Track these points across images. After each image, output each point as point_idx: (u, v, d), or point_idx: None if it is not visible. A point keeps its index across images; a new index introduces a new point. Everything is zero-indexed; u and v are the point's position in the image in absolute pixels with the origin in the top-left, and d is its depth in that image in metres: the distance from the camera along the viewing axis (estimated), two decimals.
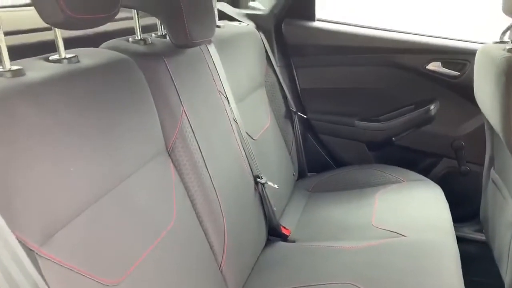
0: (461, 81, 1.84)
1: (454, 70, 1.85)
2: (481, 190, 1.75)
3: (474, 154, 1.88)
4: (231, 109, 1.42)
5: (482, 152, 1.69)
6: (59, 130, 0.78)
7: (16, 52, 0.87)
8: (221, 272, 1.17)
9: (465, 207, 1.88)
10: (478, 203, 1.78)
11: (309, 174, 2.08)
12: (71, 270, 0.74)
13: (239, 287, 1.24)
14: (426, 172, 1.93)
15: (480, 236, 1.84)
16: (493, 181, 1.60)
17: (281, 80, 1.96)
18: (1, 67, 0.78)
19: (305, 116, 2.05)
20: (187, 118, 1.16)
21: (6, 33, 0.79)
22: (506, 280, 1.39)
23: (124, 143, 0.94)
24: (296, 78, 2.08)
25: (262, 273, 1.34)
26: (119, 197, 0.89)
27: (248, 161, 1.46)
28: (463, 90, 1.83)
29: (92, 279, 0.77)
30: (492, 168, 1.61)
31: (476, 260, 1.64)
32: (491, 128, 1.56)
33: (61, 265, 0.72)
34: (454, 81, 1.85)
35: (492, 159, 1.62)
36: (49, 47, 0.93)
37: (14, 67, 0.79)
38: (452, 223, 1.50)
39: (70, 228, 0.76)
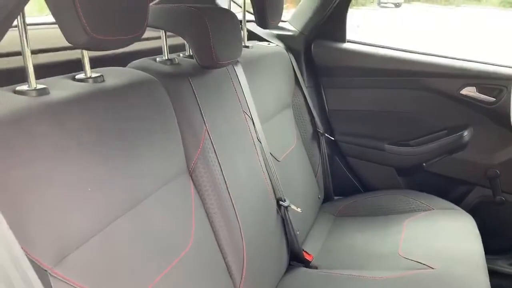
0: (496, 108, 1.77)
1: (490, 96, 1.78)
2: None
3: (510, 183, 1.79)
4: (255, 129, 1.40)
5: None
6: (79, 150, 0.78)
7: (44, 70, 0.89)
8: None
9: (500, 239, 1.79)
10: None
11: (335, 197, 2.03)
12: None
13: None
14: (457, 200, 1.85)
15: None
16: None
17: (309, 101, 1.94)
18: (27, 86, 0.79)
19: (333, 138, 2.01)
20: (210, 138, 1.15)
21: (34, 51, 0.81)
22: None
23: (144, 164, 0.93)
24: (324, 99, 2.05)
25: None
26: (136, 218, 0.89)
27: (271, 183, 1.43)
28: (498, 117, 1.76)
29: None
30: None
31: None
32: None
33: (74, 286, 0.72)
34: (489, 107, 1.78)
35: None
36: (77, 65, 0.94)
37: (40, 86, 0.80)
38: (484, 256, 1.42)
39: (85, 249, 0.75)
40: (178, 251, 0.97)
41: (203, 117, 1.14)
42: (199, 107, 1.14)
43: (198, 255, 1.03)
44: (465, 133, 1.82)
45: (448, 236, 1.52)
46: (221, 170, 1.16)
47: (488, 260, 1.42)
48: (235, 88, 1.37)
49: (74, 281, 0.72)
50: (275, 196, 1.44)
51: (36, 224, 0.68)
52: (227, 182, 1.17)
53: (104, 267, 0.78)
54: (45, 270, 0.68)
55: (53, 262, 0.70)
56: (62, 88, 0.84)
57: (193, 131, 1.12)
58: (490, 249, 1.53)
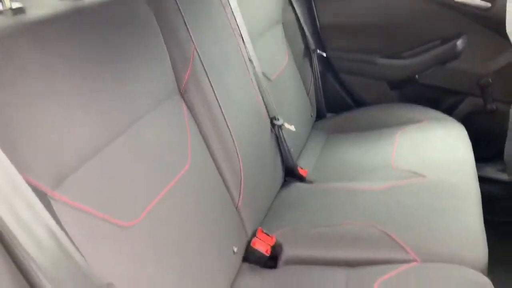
0: (492, 14, 1.71)
1: (486, 0, 1.72)
2: (506, 129, 1.68)
3: (502, 92, 1.79)
4: (245, 47, 1.36)
5: (510, 89, 1.60)
6: (64, 69, 0.75)
7: None
8: (238, 211, 1.18)
9: (489, 147, 1.83)
10: (502, 142, 1.73)
11: (328, 114, 2.04)
12: (86, 213, 0.74)
13: (256, 226, 1.24)
14: (449, 111, 1.86)
15: (503, 176, 1.79)
16: None
17: (300, 16, 1.87)
18: (1, 5, 0.75)
19: (324, 54, 1.97)
20: (199, 57, 1.12)
21: None
22: None
23: (134, 84, 0.91)
24: (315, 13, 1.98)
25: (279, 213, 1.35)
26: (132, 139, 0.88)
27: (264, 102, 1.42)
28: (494, 23, 1.71)
29: (108, 221, 0.77)
30: None
31: (499, 200, 1.62)
32: None
33: (76, 208, 0.72)
34: (485, 13, 1.73)
35: None
36: None
37: (15, 5, 0.75)
38: (474, 163, 1.46)
39: (83, 171, 0.75)
40: (176, 171, 0.97)
41: (190, 35, 1.10)
42: (185, 24, 1.09)
43: (196, 174, 1.04)
44: (459, 42, 1.79)
45: (440, 146, 1.55)
46: (213, 90, 1.14)
47: (478, 167, 1.45)
48: (222, 3, 1.31)
49: (75, 202, 0.72)
50: (269, 115, 1.43)
51: (31, 147, 0.67)
52: (220, 102, 1.16)
53: (105, 188, 0.79)
54: (45, 193, 0.69)
55: (52, 185, 0.70)
56: (40, 6, 0.79)
57: (181, 50, 1.08)
58: (481, 156, 1.56)
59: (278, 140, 1.46)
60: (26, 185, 0.61)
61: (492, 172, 1.86)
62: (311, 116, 1.90)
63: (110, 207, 0.78)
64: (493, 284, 0.98)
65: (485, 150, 1.73)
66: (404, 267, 1.05)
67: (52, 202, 0.69)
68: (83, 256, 0.66)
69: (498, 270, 1.10)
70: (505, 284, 1.02)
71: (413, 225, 1.17)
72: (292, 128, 1.46)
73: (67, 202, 0.71)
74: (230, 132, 1.18)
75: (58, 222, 0.67)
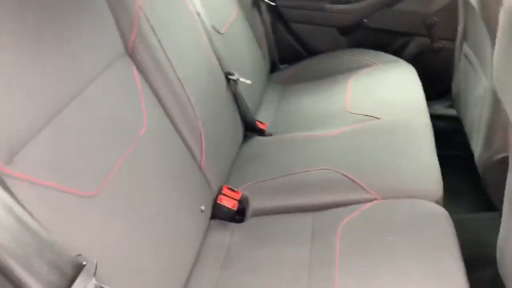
0: None
1: None
2: (453, 66, 1.74)
3: (447, 30, 1.84)
4: (191, 1, 1.31)
5: (455, 28, 1.65)
6: (5, 35, 0.70)
7: None
8: (201, 170, 1.17)
9: (438, 85, 1.89)
10: (450, 79, 1.79)
11: (281, 66, 2.03)
12: (45, 187, 0.71)
13: (220, 183, 1.25)
14: (399, 52, 1.90)
15: (452, 112, 1.87)
16: (465, 55, 1.59)
17: None
18: None
19: (274, 4, 1.93)
20: (144, 13, 1.07)
21: None
22: (476, 151, 1.44)
23: (79, 47, 0.87)
24: None
25: (242, 168, 1.36)
26: (83, 106, 0.85)
27: (217, 57, 1.39)
28: None
29: (69, 193, 0.75)
30: (465, 42, 1.59)
31: (449, 135, 1.69)
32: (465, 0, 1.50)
33: (33, 183, 0.70)
34: None
35: (464, 33, 1.59)
36: None
37: None
38: (425, 101, 1.51)
39: (36, 143, 0.72)
40: (133, 135, 0.95)
41: None
42: None
43: (154, 137, 1.02)
44: None
45: (392, 87, 1.59)
46: (162, 48, 1.11)
47: (428, 105, 1.50)
48: None
49: (31, 177, 0.69)
50: (223, 71, 1.41)
51: None
52: (171, 61, 1.12)
53: (61, 159, 0.76)
54: None
55: (3, 161, 0.66)
56: None
57: (124, 8, 1.03)
58: (430, 94, 1.61)
59: (235, 96, 1.44)
60: None
61: (442, 108, 1.94)
62: (265, 69, 1.89)
63: (70, 178, 0.76)
64: (449, 213, 1.05)
65: (434, 88, 1.79)
66: (366, 206, 1.10)
67: (6, 179, 0.66)
68: (48, 231, 0.65)
69: (452, 201, 1.16)
70: (459, 213, 1.09)
71: (371, 166, 1.22)
72: (248, 82, 1.45)
73: (22, 177, 0.68)
74: (185, 90, 1.15)
75: (15, 199, 0.64)
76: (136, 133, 0.96)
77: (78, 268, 0.66)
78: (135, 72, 1.04)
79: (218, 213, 1.20)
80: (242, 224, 1.19)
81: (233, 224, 1.19)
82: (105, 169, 0.85)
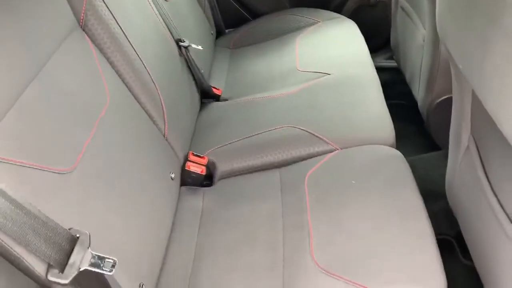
0: None
1: None
2: (390, 19, 1.83)
3: None
4: None
5: None
6: None
7: None
8: (166, 140, 1.19)
9: (377, 38, 1.98)
10: (388, 32, 1.88)
11: (226, 30, 2.03)
12: (21, 166, 0.71)
13: (185, 150, 1.28)
14: (339, 9, 1.96)
15: (392, 63, 1.98)
16: (402, 8, 1.67)
17: None
18: None
19: None
20: None
21: None
22: (419, 97, 1.55)
23: (30, 25, 0.84)
24: None
25: (204, 134, 1.39)
26: (44, 84, 0.84)
27: (166, 25, 1.38)
28: None
29: (46, 170, 0.75)
30: None
31: (391, 85, 1.79)
32: None
33: (8, 163, 0.69)
34: None
35: None
36: None
37: None
38: (369, 55, 1.59)
39: (5, 123, 0.71)
40: (98, 111, 0.95)
41: None
42: None
43: (118, 110, 1.02)
44: None
45: (337, 44, 1.66)
46: (114, 18, 1.09)
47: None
48: None
49: (6, 157, 0.69)
50: (174, 38, 1.40)
51: None
52: (124, 31, 1.11)
53: (33, 138, 0.76)
54: None
55: None
56: None
57: None
58: (370, 48, 1.69)
59: (188, 63, 1.44)
60: None
61: (382, 61, 2.05)
62: (212, 34, 1.89)
63: (45, 156, 0.76)
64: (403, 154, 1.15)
65: (374, 41, 1.87)
66: (327, 157, 1.17)
67: None
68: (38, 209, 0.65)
69: (400, 145, 1.25)
70: (407, 155, 1.18)
71: (328, 120, 1.29)
72: (199, 47, 1.45)
73: (1, 159, 0.67)
74: (142, 61, 1.15)
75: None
76: (101, 107, 0.96)
77: (73, 241, 0.67)
78: (91, 46, 1.02)
79: (187, 180, 1.22)
80: (212, 187, 1.23)
81: (203, 189, 1.22)
82: (76, 145, 0.84)
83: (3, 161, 0.68)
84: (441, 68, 1.37)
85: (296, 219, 1.02)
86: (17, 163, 0.70)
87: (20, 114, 0.75)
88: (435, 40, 1.33)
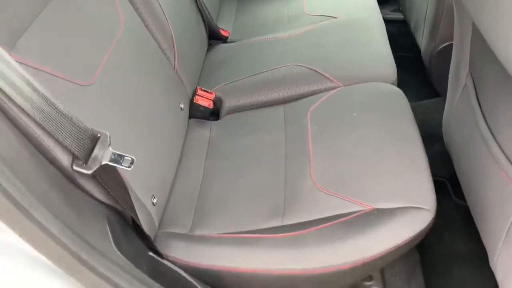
0: None
1: None
2: None
3: None
4: None
5: None
6: None
7: None
8: (176, 73, 1.23)
9: None
10: None
11: None
12: (47, 73, 0.76)
13: (194, 85, 1.32)
14: None
15: (398, 15, 2.00)
16: None
17: None
18: None
19: None
20: None
21: None
22: (422, 44, 1.58)
23: None
24: None
25: (212, 72, 1.43)
26: (64, 3, 0.88)
27: None
28: None
29: (70, 81, 0.80)
30: None
31: (396, 37, 1.81)
32: None
33: (36, 69, 0.74)
34: None
35: None
36: None
37: None
38: (376, 2, 1.61)
39: (32, 30, 0.76)
40: (114, 33, 0.99)
41: None
42: None
43: (132, 37, 1.06)
44: None
45: None
46: None
47: None
48: None
49: (34, 63, 0.74)
50: None
51: None
52: None
53: (57, 49, 0.81)
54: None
55: (8, 44, 0.70)
56: None
57: None
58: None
59: (197, 2, 1.47)
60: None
61: (389, 13, 2.06)
62: None
63: (68, 67, 0.81)
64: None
65: None
66: (331, 93, 1.22)
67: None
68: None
69: (404, 91, 1.29)
70: (411, 100, 1.22)
71: (332, 58, 1.33)
72: None
73: (25, 62, 0.72)
74: None
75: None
76: (117, 31, 1.00)
77: (95, 139, 0.73)
78: None
79: (196, 113, 1.28)
80: (219, 121, 1.28)
81: (210, 122, 1.28)
82: (96, 61, 0.89)
83: (30, 66, 0.73)
84: (445, 14, 1.40)
85: (298, 147, 1.08)
86: (42, 70, 0.75)
87: (42, 28, 0.80)
88: None
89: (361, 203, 0.91)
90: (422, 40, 1.58)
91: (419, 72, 1.69)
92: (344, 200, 0.92)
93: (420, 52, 1.61)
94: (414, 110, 1.17)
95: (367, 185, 0.94)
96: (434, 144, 1.31)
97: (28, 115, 0.65)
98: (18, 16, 0.74)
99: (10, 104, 0.64)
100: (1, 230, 0.57)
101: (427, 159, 1.00)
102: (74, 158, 0.70)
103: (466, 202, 1.08)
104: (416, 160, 0.98)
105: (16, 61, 0.70)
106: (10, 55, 0.69)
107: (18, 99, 0.63)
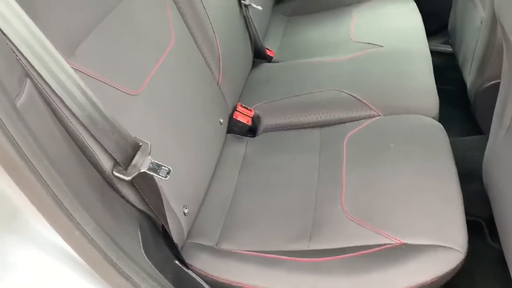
0: None
1: None
2: (451, 2, 1.82)
3: None
4: None
5: None
6: None
7: None
8: (219, 88, 1.27)
9: (435, 20, 1.97)
10: (447, 16, 1.87)
11: None
12: (99, 80, 0.81)
13: (235, 101, 1.36)
14: None
15: (446, 48, 1.97)
16: None
17: None
18: None
19: None
20: None
21: None
22: (469, 79, 1.56)
23: None
24: None
25: (253, 90, 1.46)
26: (121, 16, 0.93)
27: None
28: None
29: (118, 89, 0.85)
30: None
31: (443, 70, 1.79)
32: None
33: (90, 76, 0.79)
34: None
35: None
36: None
37: None
38: (425, 33, 1.60)
39: (89, 40, 0.81)
40: (165, 46, 1.04)
41: None
42: None
43: (181, 51, 1.11)
44: None
45: (394, 19, 1.67)
46: None
47: None
48: None
49: (88, 70, 0.79)
50: None
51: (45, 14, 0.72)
52: None
53: (110, 58, 0.86)
54: None
55: (67, 53, 0.75)
56: None
57: None
58: (427, 30, 1.69)
59: (246, 21, 1.51)
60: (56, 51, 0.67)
61: (437, 44, 2.03)
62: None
63: (119, 76, 0.86)
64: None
65: (431, 24, 1.87)
66: (369, 121, 1.22)
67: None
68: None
69: (446, 126, 1.27)
70: (453, 135, 1.20)
71: (374, 86, 1.33)
72: (259, 7, 1.52)
73: (81, 69, 0.77)
74: (206, 11, 1.23)
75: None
76: (166, 46, 1.05)
77: (136, 147, 0.77)
78: None
79: (234, 128, 1.31)
80: (255, 138, 1.31)
81: (247, 138, 1.30)
82: (145, 73, 0.94)
83: (83, 72, 0.78)
84: (496, 50, 1.37)
85: (331, 172, 1.09)
86: (93, 77, 0.80)
87: (99, 38, 0.85)
88: (493, 23, 1.33)
89: (389, 236, 0.90)
90: (469, 75, 1.55)
91: (463, 107, 1.66)
92: (373, 231, 0.92)
93: (466, 87, 1.58)
94: (455, 145, 1.15)
95: (397, 219, 0.93)
96: (472, 182, 1.27)
97: (77, 119, 0.69)
98: (78, 27, 0.79)
99: (62, 108, 0.68)
100: (40, 224, 0.61)
101: (461, 197, 0.98)
102: (116, 164, 0.74)
103: (501, 246, 1.05)
104: (450, 198, 0.96)
105: (72, 67, 0.75)
106: (67, 62, 0.74)
107: (69, 102, 0.67)
